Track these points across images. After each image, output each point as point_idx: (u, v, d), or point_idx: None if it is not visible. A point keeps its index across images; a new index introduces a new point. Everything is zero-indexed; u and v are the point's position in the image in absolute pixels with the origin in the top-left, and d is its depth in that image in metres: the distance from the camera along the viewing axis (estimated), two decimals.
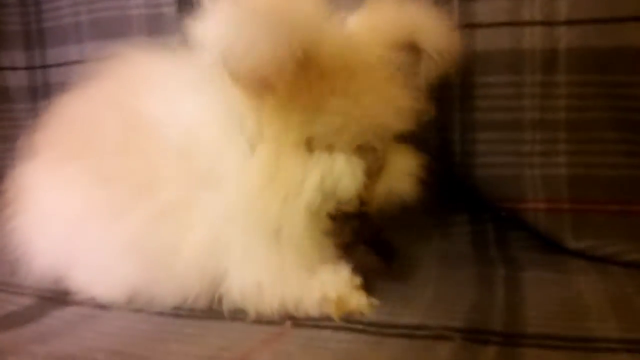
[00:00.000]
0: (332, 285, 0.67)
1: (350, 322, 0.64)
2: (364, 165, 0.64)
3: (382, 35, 0.66)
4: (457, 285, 0.74)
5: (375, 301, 0.69)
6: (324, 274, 0.67)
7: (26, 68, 1.27)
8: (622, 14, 0.79)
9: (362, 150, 0.65)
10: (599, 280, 0.74)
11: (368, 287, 0.70)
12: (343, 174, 0.63)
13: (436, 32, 0.69)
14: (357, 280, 0.69)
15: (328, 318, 0.65)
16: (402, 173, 0.71)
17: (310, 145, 0.63)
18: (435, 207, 0.97)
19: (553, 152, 0.85)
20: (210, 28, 0.54)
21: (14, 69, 1.28)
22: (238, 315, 0.66)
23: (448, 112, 0.89)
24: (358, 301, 0.67)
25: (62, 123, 0.75)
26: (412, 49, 0.70)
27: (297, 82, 0.58)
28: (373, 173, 0.67)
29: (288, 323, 0.64)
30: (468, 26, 0.86)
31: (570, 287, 0.72)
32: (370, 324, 0.63)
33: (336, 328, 0.63)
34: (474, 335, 0.59)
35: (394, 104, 0.65)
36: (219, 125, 0.64)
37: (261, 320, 0.65)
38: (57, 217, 0.72)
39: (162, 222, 0.65)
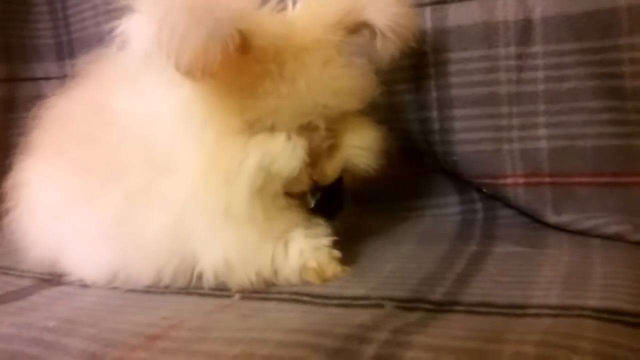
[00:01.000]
0: (311, 254, 0.70)
1: (298, 294, 0.66)
2: (306, 144, 0.66)
3: (323, 18, 0.68)
4: (420, 261, 0.74)
5: (348, 269, 0.71)
6: (301, 243, 0.70)
7: (58, 77, 1.39)
8: None
9: (305, 130, 0.67)
10: (568, 254, 0.71)
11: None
12: (281, 152, 0.65)
13: (388, 10, 0.69)
14: (335, 252, 0.71)
15: (279, 291, 0.67)
16: (358, 148, 0.72)
17: (252, 128, 0.65)
18: (426, 189, 0.98)
19: (532, 125, 0.83)
20: (138, 23, 0.57)
21: (47, 79, 1.39)
22: (199, 290, 0.70)
23: (424, 91, 0.89)
24: (334, 269, 0.70)
25: (49, 122, 0.82)
26: (365, 28, 0.72)
27: (234, 67, 0.61)
28: (322, 151, 0.68)
29: (237, 296, 0.67)
30: (439, 2, 0.85)
31: (533, 260, 0.69)
32: (317, 295, 0.65)
33: (282, 300, 0.65)
34: (407, 304, 0.59)
35: (333, 84, 0.66)
36: (173, 114, 0.68)
37: (215, 294, 0.68)
38: (44, 207, 0.79)
39: (129, 207, 0.70)
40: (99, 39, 1.28)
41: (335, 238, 0.72)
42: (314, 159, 0.68)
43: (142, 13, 0.58)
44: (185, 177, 0.66)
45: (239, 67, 0.62)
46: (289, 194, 0.69)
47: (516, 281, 0.63)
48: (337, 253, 0.72)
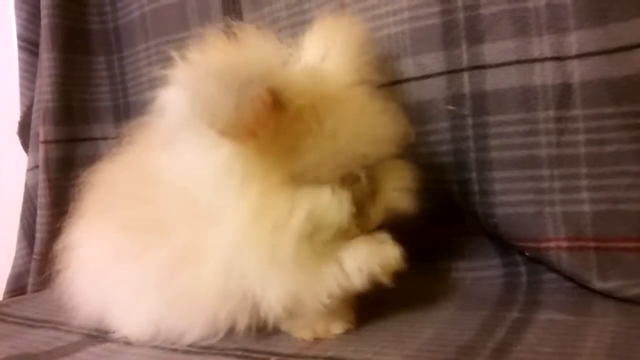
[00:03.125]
0: (369, 263, 0.70)
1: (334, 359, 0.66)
2: (350, 195, 0.68)
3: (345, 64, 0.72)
4: (460, 327, 0.73)
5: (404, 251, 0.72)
6: (354, 259, 0.70)
7: (114, 138, 1.46)
8: (628, 42, 0.76)
9: (347, 180, 0.69)
10: (614, 323, 0.68)
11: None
12: (329, 205, 0.67)
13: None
14: (380, 236, 0.72)
15: (315, 355, 0.67)
16: (397, 191, 0.74)
17: (295, 181, 0.67)
18: (467, 251, 0.97)
19: (574, 188, 0.82)
20: (173, 93, 0.62)
21: (105, 139, 1.48)
22: (238, 352, 0.71)
23: (463, 153, 0.89)
24: (395, 260, 0.71)
25: (97, 185, 0.87)
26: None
27: (271, 125, 0.64)
28: (364, 199, 0.70)
29: (273, 358, 0.67)
30: (477, 67, 0.87)
31: (577, 329, 0.67)
32: None
33: None
34: None
35: (369, 133, 0.69)
36: (215, 170, 0.69)
37: (252, 357, 0.69)
38: (92, 265, 0.83)
39: (176, 262, 0.72)
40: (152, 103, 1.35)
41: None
42: (359, 208, 0.69)
43: (177, 83, 0.62)
44: (232, 226, 0.68)
45: (277, 124, 0.65)
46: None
47: (558, 352, 0.61)
48: (384, 237, 0.72)
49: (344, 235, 0.70)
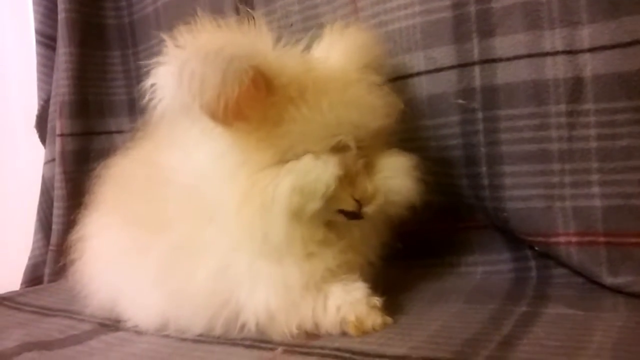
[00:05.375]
0: (350, 308, 0.71)
1: (339, 350, 0.66)
2: (337, 160, 0.67)
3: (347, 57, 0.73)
4: (467, 320, 0.73)
5: (389, 319, 0.72)
6: (339, 298, 0.71)
7: (129, 131, 1.48)
8: None
9: (337, 150, 0.69)
10: (622, 318, 0.68)
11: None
12: (311, 169, 0.66)
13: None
14: (374, 300, 0.72)
15: (321, 346, 0.68)
16: (397, 171, 0.74)
17: (284, 159, 0.67)
18: (477, 245, 0.97)
19: (585, 183, 0.81)
20: (163, 74, 0.63)
21: (120, 132, 1.49)
22: (245, 341, 0.72)
23: (473, 147, 0.89)
24: (374, 321, 0.71)
25: (109, 180, 0.89)
26: None
27: (263, 108, 0.65)
28: (357, 171, 0.70)
29: (280, 349, 0.68)
30: (488, 61, 0.86)
31: (585, 324, 0.67)
32: (359, 352, 0.65)
33: (323, 355, 0.66)
34: None
35: (356, 102, 0.69)
36: (215, 163, 0.71)
37: (260, 347, 0.70)
38: (102, 257, 0.85)
39: (177, 257, 0.73)
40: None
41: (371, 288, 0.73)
42: (352, 178, 0.69)
43: (166, 65, 0.64)
44: (225, 221, 0.69)
45: (265, 105, 0.66)
46: (329, 225, 0.71)
47: (564, 346, 0.61)
48: (376, 302, 0.72)
49: (337, 205, 0.69)
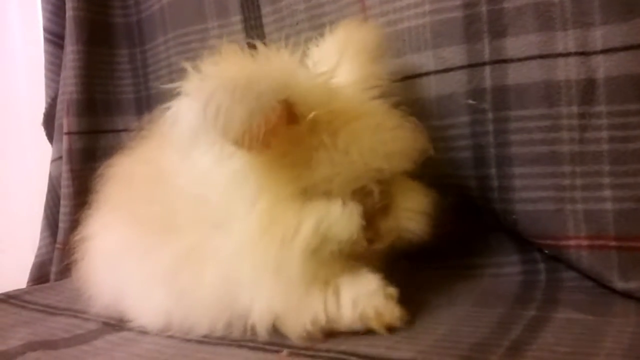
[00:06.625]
0: (367, 300, 0.69)
1: (346, 354, 0.65)
2: (361, 208, 0.68)
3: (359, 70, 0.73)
4: (475, 324, 0.72)
5: (404, 313, 0.71)
6: (352, 291, 0.69)
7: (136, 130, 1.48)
8: None
9: (359, 194, 0.68)
10: (633, 324, 0.67)
11: None
12: (338, 218, 0.67)
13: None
14: (390, 290, 0.71)
15: (328, 349, 0.67)
16: (411, 211, 0.73)
17: (306, 194, 0.67)
18: (485, 247, 0.96)
19: (597, 185, 0.80)
20: (186, 105, 0.62)
21: (127, 131, 1.49)
22: (251, 343, 0.71)
23: (483, 148, 0.88)
24: (392, 313, 0.70)
25: (113, 179, 0.89)
26: None
27: (286, 137, 0.65)
28: (376, 214, 0.70)
29: (285, 352, 0.67)
30: (499, 62, 0.85)
31: (595, 329, 0.66)
32: (365, 356, 0.64)
33: (329, 358, 0.65)
34: None
35: (384, 148, 0.68)
36: (228, 178, 0.70)
37: (265, 349, 0.69)
38: (106, 257, 0.85)
39: (183, 261, 0.73)
40: (171, 95, 1.36)
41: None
42: (369, 220, 0.69)
43: (189, 93, 0.62)
44: (238, 234, 0.68)
45: (291, 137, 0.65)
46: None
47: (574, 352, 0.60)
48: (392, 291, 0.71)
49: (353, 249, 0.69)
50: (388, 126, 0.69)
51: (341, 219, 0.67)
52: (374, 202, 0.69)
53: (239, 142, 0.61)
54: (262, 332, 0.71)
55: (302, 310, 0.69)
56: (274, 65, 0.64)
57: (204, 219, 0.72)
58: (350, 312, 0.69)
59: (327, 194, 0.68)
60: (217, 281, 0.70)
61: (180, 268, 0.73)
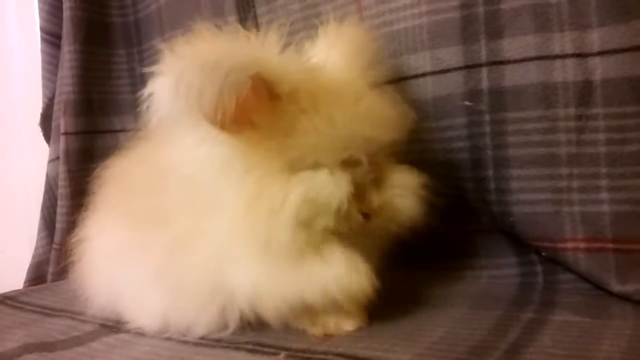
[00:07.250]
0: (334, 276, 0.66)
1: (344, 356, 0.65)
2: (350, 176, 0.67)
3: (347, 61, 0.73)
4: (472, 326, 0.72)
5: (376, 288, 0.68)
6: (322, 265, 0.67)
7: (134, 130, 1.48)
8: None
9: (348, 164, 0.68)
10: (631, 326, 0.67)
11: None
12: (326, 183, 0.66)
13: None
14: (361, 265, 0.69)
15: (325, 351, 0.67)
16: (403, 188, 0.73)
17: (294, 167, 0.67)
18: (482, 249, 0.96)
19: (594, 188, 0.80)
20: (159, 85, 0.62)
21: (124, 131, 1.48)
22: (248, 346, 0.71)
23: (480, 149, 0.88)
24: (362, 290, 0.67)
25: (108, 180, 0.88)
26: None
27: (269, 113, 0.65)
28: (366, 184, 0.69)
29: (283, 354, 0.67)
30: (496, 63, 0.85)
31: (593, 332, 0.66)
32: (363, 358, 0.64)
33: None
34: None
35: (369, 115, 0.68)
36: (217, 160, 0.70)
37: (263, 351, 0.69)
38: (102, 258, 0.85)
39: (175, 250, 0.72)
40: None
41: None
42: (361, 193, 0.68)
43: (163, 75, 0.63)
44: (227, 215, 0.68)
45: (273, 111, 0.65)
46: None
47: (571, 355, 0.60)
48: (363, 267, 0.68)
49: (345, 221, 0.68)
50: (370, 95, 0.69)
51: (329, 185, 0.66)
52: (364, 173, 0.69)
53: (211, 119, 0.61)
54: (247, 313, 0.70)
55: (276, 283, 0.67)
56: (249, 43, 0.65)
57: (194, 204, 0.71)
58: (316, 288, 0.66)
59: (315, 167, 0.67)
60: (206, 261, 0.69)
61: (171, 257, 0.72)
